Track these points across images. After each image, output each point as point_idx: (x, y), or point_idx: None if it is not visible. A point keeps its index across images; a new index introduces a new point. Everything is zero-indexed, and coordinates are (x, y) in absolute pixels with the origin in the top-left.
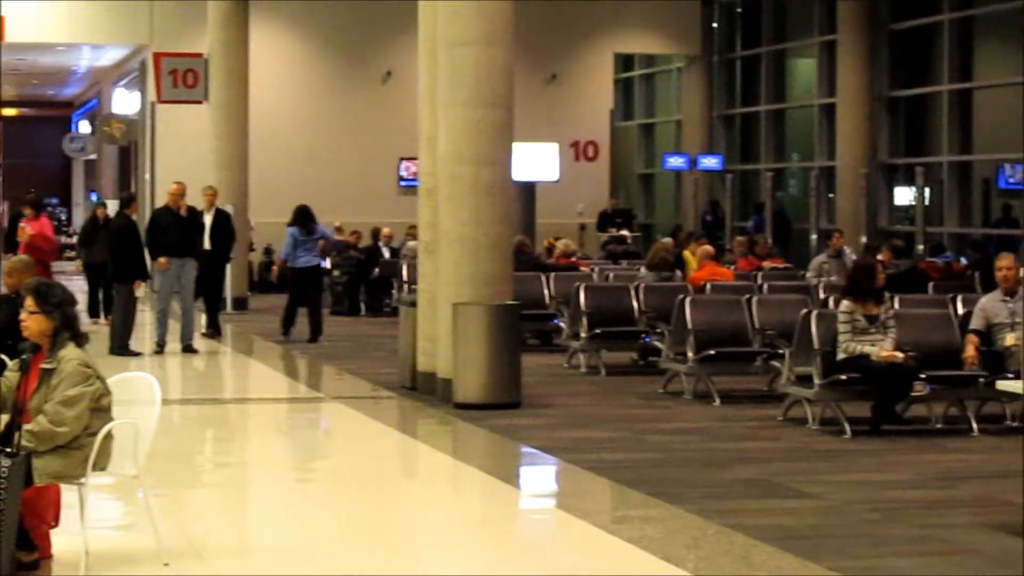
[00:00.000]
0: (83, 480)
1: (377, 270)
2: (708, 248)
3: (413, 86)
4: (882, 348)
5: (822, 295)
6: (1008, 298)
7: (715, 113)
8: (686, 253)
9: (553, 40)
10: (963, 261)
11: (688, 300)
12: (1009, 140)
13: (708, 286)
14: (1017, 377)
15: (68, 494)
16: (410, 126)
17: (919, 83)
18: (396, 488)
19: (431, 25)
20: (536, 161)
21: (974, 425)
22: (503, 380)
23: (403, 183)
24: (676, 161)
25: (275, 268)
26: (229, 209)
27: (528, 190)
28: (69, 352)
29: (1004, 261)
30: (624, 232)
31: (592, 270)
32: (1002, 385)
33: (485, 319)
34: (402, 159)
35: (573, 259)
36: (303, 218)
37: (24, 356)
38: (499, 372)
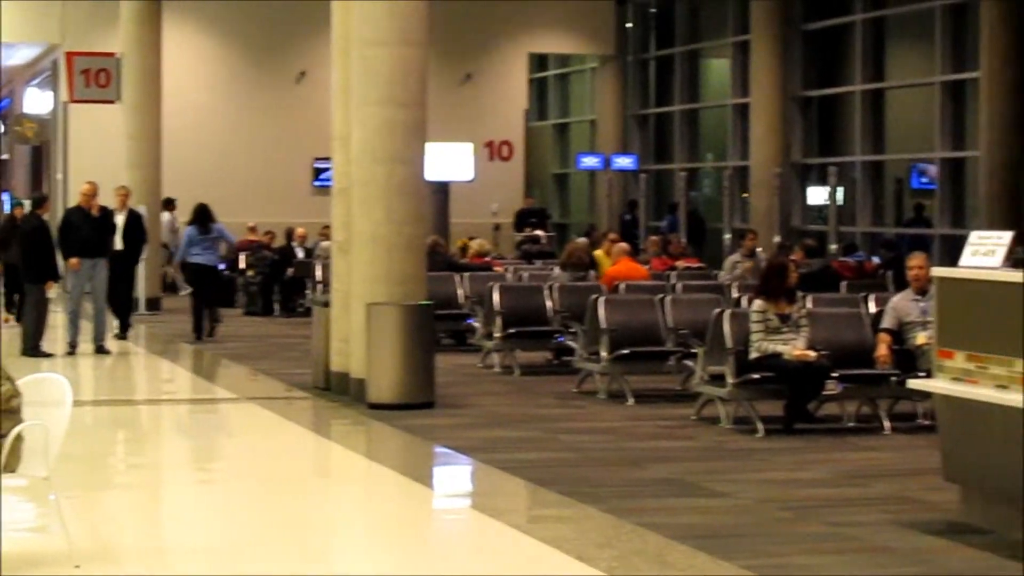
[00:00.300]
0: None
1: (291, 270)
2: (623, 245)
3: (327, 86)
4: (794, 347)
5: (735, 294)
6: (919, 297)
7: (629, 113)
8: (599, 252)
9: (467, 40)
10: (875, 260)
11: (601, 300)
12: (921, 140)
13: (622, 286)
14: (928, 376)
15: None
16: (324, 126)
17: (832, 83)
18: (310, 488)
19: (344, 25)
20: (450, 161)
21: (886, 423)
22: (417, 380)
23: (317, 183)
24: (590, 161)
25: (169, 270)
26: (142, 210)
27: (442, 190)
28: None
29: (915, 260)
30: (538, 232)
31: (506, 270)
32: (913, 384)
33: (399, 319)
34: (317, 159)
35: (487, 259)
36: (200, 217)
37: None
38: (413, 372)
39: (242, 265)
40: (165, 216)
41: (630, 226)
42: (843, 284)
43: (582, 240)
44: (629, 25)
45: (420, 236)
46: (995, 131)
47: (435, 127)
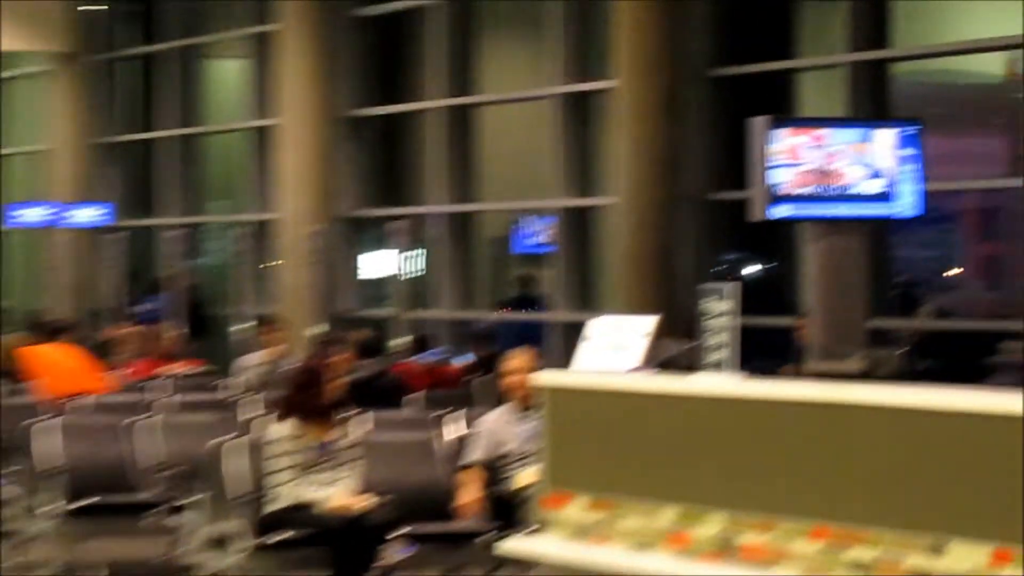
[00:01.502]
0: None
1: None
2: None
3: None
4: (338, 492)
5: (252, 414)
6: (522, 416)
7: (97, 140)
8: (32, 350)
9: None
10: (462, 361)
11: (43, 425)
12: (529, 182)
13: (89, 401)
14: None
15: None
16: None
17: (398, 96)
18: None
19: None
20: None
21: None
22: None
23: None
24: (34, 214)
25: None
26: None
27: None
28: None
29: (515, 362)
30: None
31: None
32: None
33: None
34: None
35: None
36: None
37: None
38: None
39: None
40: None
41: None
42: (412, 396)
43: (15, 336)
44: (96, 7)
45: None
46: (640, 166)
47: None
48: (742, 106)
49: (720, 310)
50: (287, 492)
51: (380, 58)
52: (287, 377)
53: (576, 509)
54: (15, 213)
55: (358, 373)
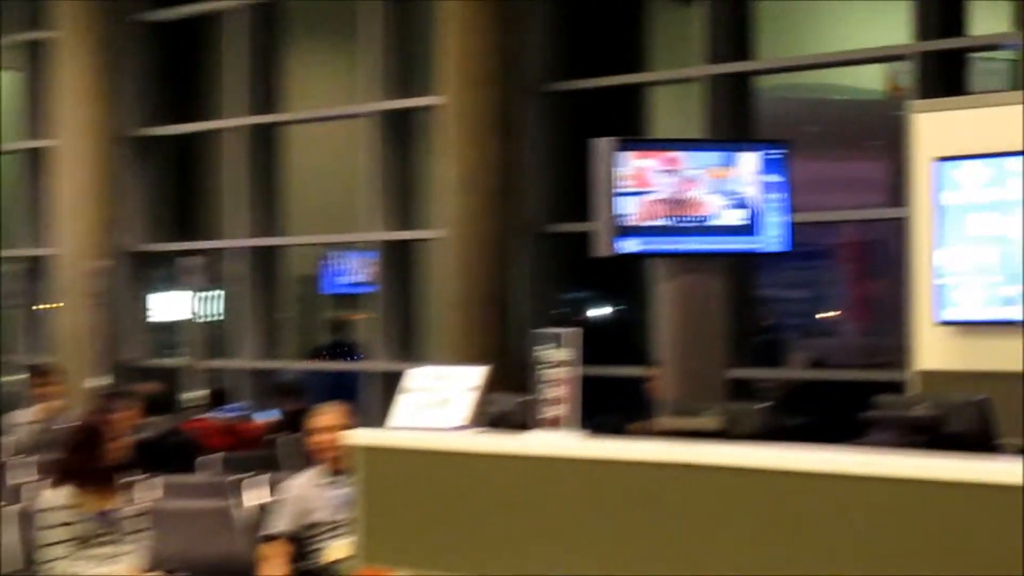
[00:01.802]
0: None
1: None
2: None
3: None
4: (121, 568)
5: (22, 479)
6: (333, 481)
7: None
8: None
9: None
10: (264, 417)
11: None
12: (343, 212)
13: None
14: None
15: None
16: None
17: (194, 114)
18: None
19: None
20: None
21: None
22: None
23: None
24: None
25: None
26: None
27: None
28: None
29: (325, 418)
30: None
31: None
32: None
33: None
34: None
35: None
36: None
37: None
38: None
39: None
40: None
41: None
42: (208, 458)
43: None
44: None
45: None
46: (470, 194)
47: None
48: (585, 125)
49: (559, 359)
50: (63, 568)
51: (172, 70)
52: (63, 437)
53: None
54: None
55: (145, 432)
